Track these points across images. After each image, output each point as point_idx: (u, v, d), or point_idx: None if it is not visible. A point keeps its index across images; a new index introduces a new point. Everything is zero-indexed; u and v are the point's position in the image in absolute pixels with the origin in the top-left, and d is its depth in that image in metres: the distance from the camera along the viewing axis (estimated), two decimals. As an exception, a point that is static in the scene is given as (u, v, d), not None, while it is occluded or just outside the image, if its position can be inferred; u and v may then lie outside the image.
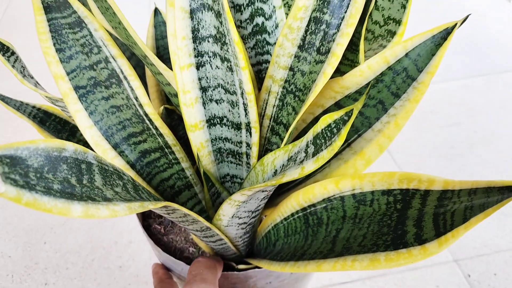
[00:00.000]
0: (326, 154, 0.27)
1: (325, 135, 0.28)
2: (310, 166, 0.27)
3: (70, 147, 0.26)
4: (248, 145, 0.40)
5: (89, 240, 0.77)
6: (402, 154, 0.87)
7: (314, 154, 0.28)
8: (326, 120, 0.27)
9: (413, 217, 0.33)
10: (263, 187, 0.31)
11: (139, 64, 0.53)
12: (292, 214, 0.43)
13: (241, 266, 0.48)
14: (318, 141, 0.28)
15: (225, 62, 0.36)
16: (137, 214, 0.53)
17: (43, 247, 0.76)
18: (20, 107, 0.46)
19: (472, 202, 0.30)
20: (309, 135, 0.30)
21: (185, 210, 0.32)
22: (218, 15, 0.34)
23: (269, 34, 0.42)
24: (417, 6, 1.16)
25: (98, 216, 0.24)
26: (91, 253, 0.75)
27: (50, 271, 0.73)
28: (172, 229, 0.54)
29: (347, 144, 0.42)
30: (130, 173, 0.41)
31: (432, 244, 0.30)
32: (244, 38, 0.42)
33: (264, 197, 0.36)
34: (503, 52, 1.14)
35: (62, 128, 0.47)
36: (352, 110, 0.25)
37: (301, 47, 0.37)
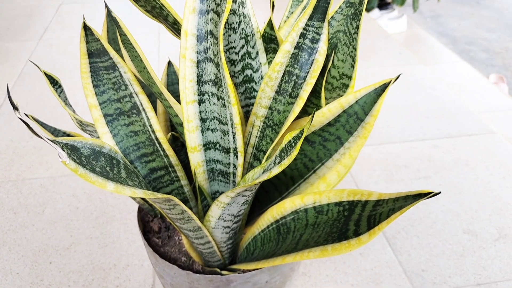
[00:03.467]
0: (286, 161, 0.38)
1: (287, 149, 0.39)
2: (275, 170, 0.39)
3: (107, 146, 0.37)
4: (234, 166, 0.51)
5: (90, 262, 0.85)
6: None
7: (278, 163, 0.39)
8: (287, 137, 0.39)
9: (354, 219, 0.43)
10: (242, 189, 0.41)
11: (152, 101, 0.65)
12: (268, 226, 0.53)
13: (224, 272, 0.57)
14: (282, 154, 0.40)
15: (220, 100, 0.48)
16: (140, 229, 0.63)
17: (48, 266, 0.85)
18: (53, 132, 0.57)
19: (394, 206, 0.41)
20: (277, 151, 0.41)
21: (183, 206, 0.43)
22: (217, 65, 0.47)
23: (256, 83, 0.54)
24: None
25: (123, 193, 0.35)
26: (91, 273, 0.83)
27: (54, 287, 0.81)
28: (168, 242, 0.64)
29: (313, 171, 0.54)
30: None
31: (364, 235, 0.40)
32: (236, 85, 0.54)
33: (244, 202, 0.46)
34: (471, 119, 1.27)
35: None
36: (303, 129, 0.37)
37: (277, 92, 0.49)
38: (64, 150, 0.31)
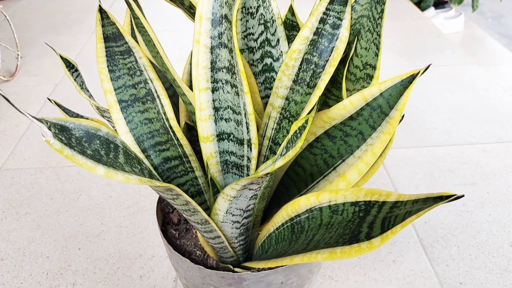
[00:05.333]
0: (290, 153, 0.35)
1: (293, 140, 0.36)
2: (280, 162, 0.36)
3: (104, 129, 0.36)
4: (248, 159, 0.49)
5: (117, 251, 0.86)
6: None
7: (283, 155, 0.36)
8: (294, 128, 0.36)
9: (368, 221, 0.40)
10: (247, 181, 0.39)
11: (175, 94, 0.64)
12: (282, 224, 0.50)
13: (236, 269, 0.55)
14: (288, 145, 0.37)
15: (234, 88, 0.46)
16: (158, 220, 0.62)
17: (77, 252, 0.86)
18: (75, 117, 0.57)
19: (412, 208, 0.37)
20: (284, 143, 0.38)
21: (186, 197, 0.41)
22: (230, 50, 0.44)
23: (276, 72, 0.51)
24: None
25: (116, 178, 0.33)
26: (117, 262, 0.84)
27: (80, 273, 0.82)
28: (185, 235, 0.62)
29: (333, 168, 0.50)
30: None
31: (376, 239, 0.37)
32: (255, 74, 0.52)
33: (252, 196, 0.44)
34: (528, 123, 1.18)
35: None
36: (308, 119, 0.34)
37: (295, 81, 0.46)
38: (51, 130, 0.30)
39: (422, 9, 2.37)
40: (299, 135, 0.35)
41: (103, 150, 0.35)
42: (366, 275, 0.79)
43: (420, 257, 0.82)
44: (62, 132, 0.32)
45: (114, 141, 0.37)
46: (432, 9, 2.39)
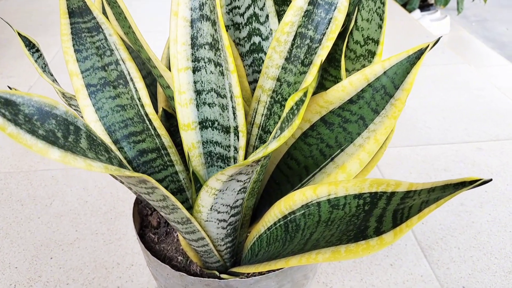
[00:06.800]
0: (286, 133, 0.29)
1: (288, 118, 0.31)
2: (273, 145, 0.30)
3: (62, 108, 0.30)
4: (235, 149, 0.43)
5: (93, 260, 0.79)
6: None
7: (277, 136, 0.31)
8: (289, 103, 0.30)
9: (376, 215, 0.34)
10: (235, 170, 0.33)
11: (153, 84, 0.58)
12: (275, 223, 0.44)
13: (223, 276, 0.49)
14: (283, 125, 0.31)
15: (218, 67, 0.40)
16: (134, 223, 0.56)
17: (48, 262, 0.79)
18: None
19: (429, 198, 0.31)
20: (279, 124, 0.33)
21: (163, 190, 0.35)
22: (213, 23, 0.39)
23: (265, 53, 0.46)
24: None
25: (74, 164, 0.27)
26: (93, 271, 0.77)
27: (51, 285, 0.75)
28: (166, 239, 0.56)
29: (331, 159, 0.45)
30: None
31: (388, 234, 0.31)
32: (242, 56, 0.46)
33: (240, 190, 0.38)
34: (523, 121, 1.14)
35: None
36: (307, 90, 0.28)
37: (287, 59, 0.40)
38: (-11, 102, 0.24)
39: (408, 12, 2.35)
40: (296, 111, 0.29)
41: (60, 132, 0.29)
42: (363, 280, 0.74)
43: (419, 260, 0.77)
44: (6, 107, 0.26)
45: (74, 123, 0.31)
46: (417, 11, 2.37)
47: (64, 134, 0.30)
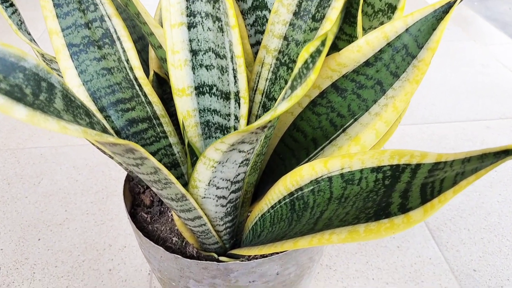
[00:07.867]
0: (299, 92, 0.25)
1: (301, 74, 0.26)
2: (283, 105, 0.25)
3: (32, 61, 0.25)
4: (236, 118, 0.38)
5: (83, 241, 0.75)
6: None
7: (288, 96, 0.26)
8: (303, 56, 0.25)
9: (400, 189, 0.30)
10: (237, 137, 0.28)
11: (144, 49, 0.52)
12: (280, 201, 0.40)
13: (222, 258, 0.45)
14: (295, 83, 0.26)
15: (217, 22, 0.35)
16: (125, 201, 0.51)
17: (36, 243, 0.75)
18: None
19: (464, 169, 0.27)
20: (289, 82, 0.28)
21: (153, 161, 0.30)
22: (212, -30, 0.34)
23: (270, 11, 0.41)
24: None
25: (44, 126, 0.23)
26: (83, 253, 0.73)
27: (39, 267, 0.71)
28: (159, 219, 0.52)
29: (343, 129, 0.40)
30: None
31: (416, 211, 0.27)
32: (243, 13, 0.41)
33: (242, 162, 0.33)
34: (532, 99, 1.10)
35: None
36: (325, 39, 0.23)
37: (296, 14, 0.35)
38: None
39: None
40: (311, 64, 0.25)
41: (29, 89, 0.24)
42: (368, 263, 0.70)
43: (427, 242, 0.73)
44: (-45, 52, 0.21)
45: (47, 79, 0.26)
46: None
47: (34, 91, 0.25)
